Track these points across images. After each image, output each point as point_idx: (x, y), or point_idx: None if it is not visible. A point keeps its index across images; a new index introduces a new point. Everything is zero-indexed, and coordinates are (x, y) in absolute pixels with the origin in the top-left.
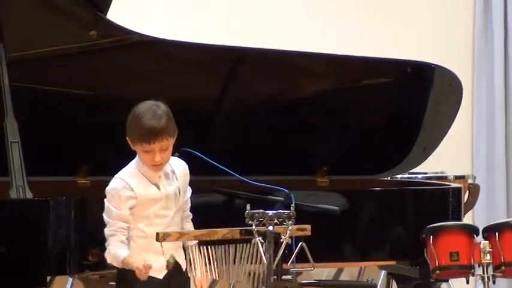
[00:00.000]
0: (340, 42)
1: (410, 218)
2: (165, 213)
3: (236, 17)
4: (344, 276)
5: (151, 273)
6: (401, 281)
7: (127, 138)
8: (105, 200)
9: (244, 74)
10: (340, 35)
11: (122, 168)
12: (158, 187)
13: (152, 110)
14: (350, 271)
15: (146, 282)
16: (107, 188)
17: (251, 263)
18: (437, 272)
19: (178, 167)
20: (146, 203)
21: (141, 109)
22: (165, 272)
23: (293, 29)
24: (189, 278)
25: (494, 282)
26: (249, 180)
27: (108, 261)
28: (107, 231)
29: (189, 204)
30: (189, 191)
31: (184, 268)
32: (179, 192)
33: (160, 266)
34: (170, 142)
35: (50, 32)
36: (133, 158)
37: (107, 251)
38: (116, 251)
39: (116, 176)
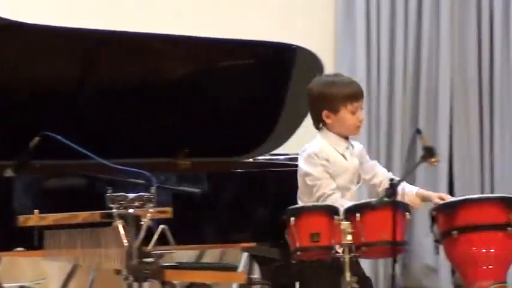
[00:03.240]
0: (212, 26)
1: (271, 200)
2: (350, 186)
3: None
4: (206, 259)
5: None
6: (262, 262)
7: (324, 112)
8: (301, 167)
9: (104, 57)
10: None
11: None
12: (345, 157)
13: (338, 74)
14: (212, 253)
15: None
16: (305, 155)
17: (113, 246)
18: (298, 253)
19: (357, 146)
20: (336, 172)
21: (330, 77)
22: None
23: (153, 12)
24: None
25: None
26: (109, 164)
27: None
28: (320, 192)
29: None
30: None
31: None
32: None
33: None
34: None
35: None
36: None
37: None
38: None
39: (307, 148)
